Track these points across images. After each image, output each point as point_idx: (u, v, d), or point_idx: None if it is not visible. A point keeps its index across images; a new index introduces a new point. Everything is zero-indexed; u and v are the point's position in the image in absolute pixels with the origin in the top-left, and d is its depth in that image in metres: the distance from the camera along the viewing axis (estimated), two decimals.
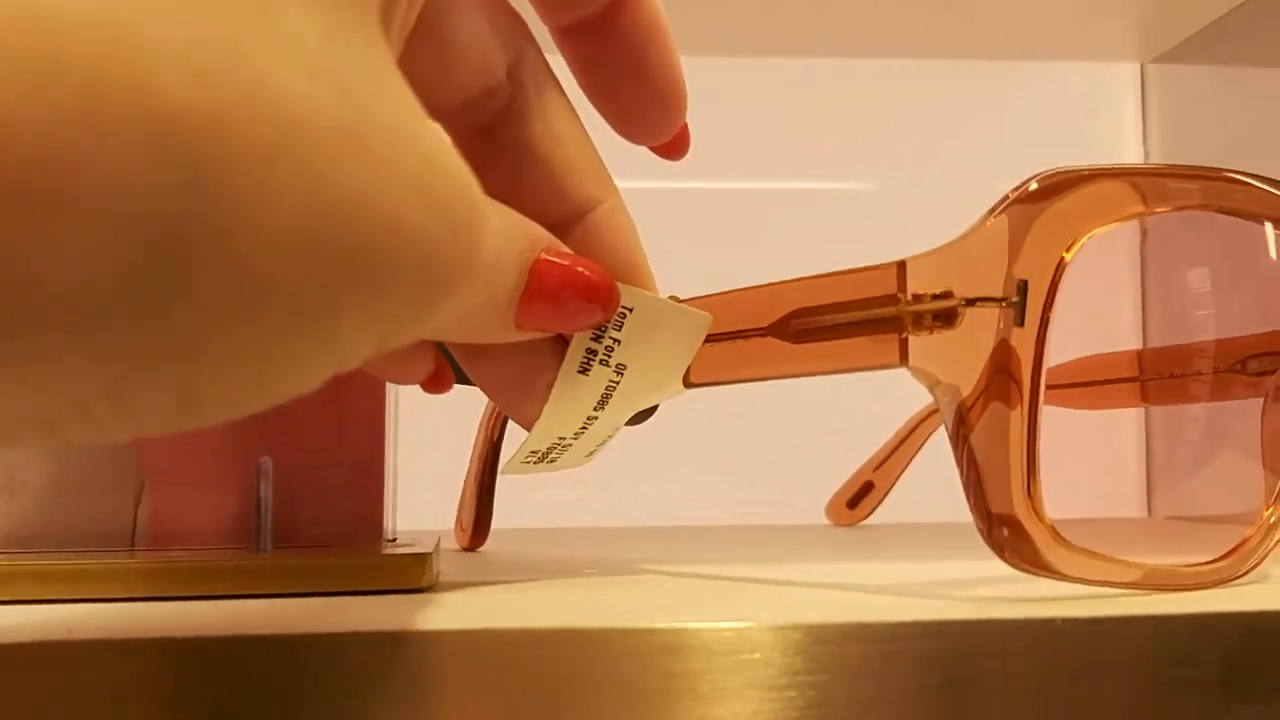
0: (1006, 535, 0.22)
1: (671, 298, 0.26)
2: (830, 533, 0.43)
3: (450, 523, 0.36)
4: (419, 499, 0.36)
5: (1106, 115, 0.57)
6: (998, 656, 0.20)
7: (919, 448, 0.44)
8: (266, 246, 0.13)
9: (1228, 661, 0.20)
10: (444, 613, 0.21)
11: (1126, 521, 0.45)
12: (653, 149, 0.26)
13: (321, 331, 0.14)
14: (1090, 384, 0.43)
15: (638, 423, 0.28)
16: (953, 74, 0.56)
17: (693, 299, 0.26)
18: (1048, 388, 0.46)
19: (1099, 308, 0.45)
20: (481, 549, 0.35)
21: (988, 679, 0.19)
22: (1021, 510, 0.22)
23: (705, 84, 0.55)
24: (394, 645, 0.19)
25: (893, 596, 0.23)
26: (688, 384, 0.26)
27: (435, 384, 0.24)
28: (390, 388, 0.28)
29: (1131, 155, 0.56)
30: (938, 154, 0.54)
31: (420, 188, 0.14)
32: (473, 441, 0.34)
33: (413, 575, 0.23)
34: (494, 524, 0.45)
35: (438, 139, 0.15)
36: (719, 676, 0.19)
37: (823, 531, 0.43)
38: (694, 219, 0.54)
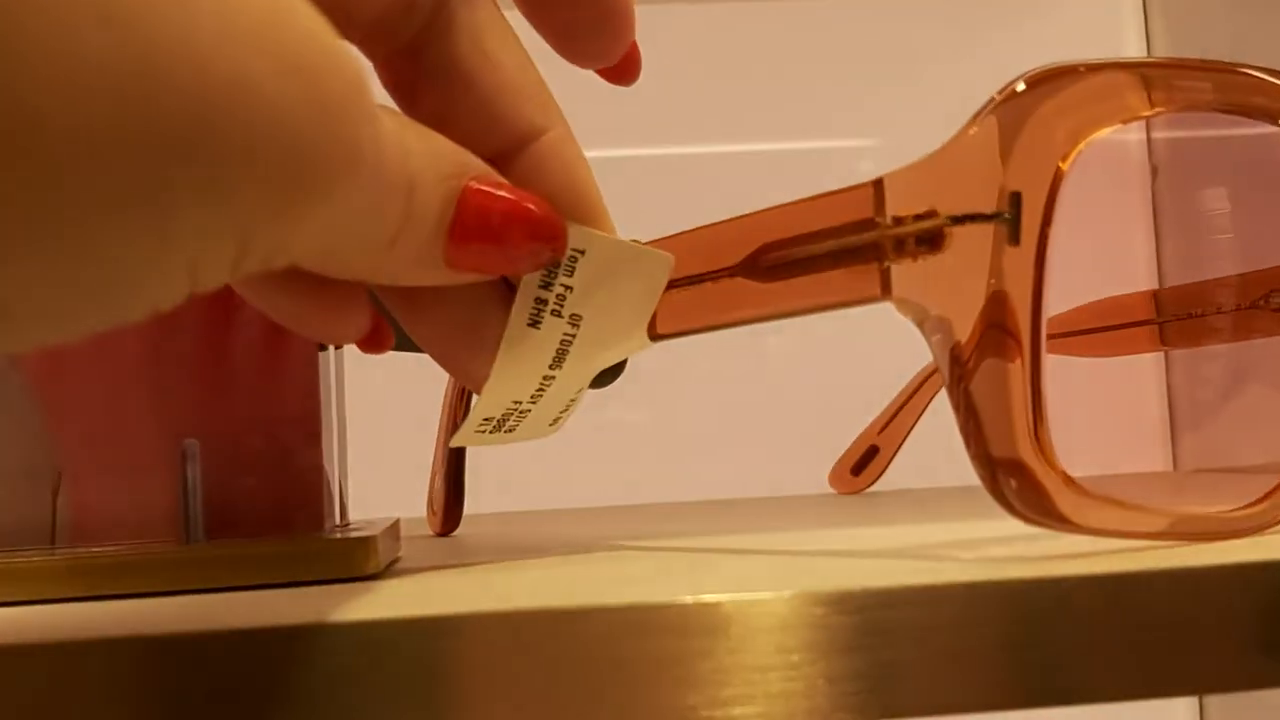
0: (1013, 484, 0.19)
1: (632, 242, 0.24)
2: (834, 501, 0.40)
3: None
4: (411, 483, 0.34)
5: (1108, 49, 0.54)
6: (1020, 619, 0.17)
7: (925, 406, 0.42)
8: (65, 105, 0.10)
9: (1265, 617, 0.17)
10: (379, 601, 0.18)
11: (1149, 475, 0.43)
12: (600, 73, 0.24)
13: (148, 221, 0.11)
14: (1104, 329, 0.40)
15: (603, 384, 0.26)
16: (951, 12, 0.53)
17: (651, 241, 0.23)
18: (1057, 336, 0.43)
19: (1108, 245, 0.43)
20: (456, 534, 0.32)
21: (1017, 640, 0.17)
22: (1028, 453, 0.19)
23: (680, 34, 0.53)
24: (316, 638, 0.17)
25: (909, 560, 0.20)
26: (653, 336, 0.23)
27: (372, 343, 0.21)
28: (336, 359, 0.26)
29: None
30: (942, 103, 0.51)
31: (272, 47, 0.12)
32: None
33: (355, 562, 0.21)
34: (482, 508, 0.43)
35: (308, 11, 0.13)
36: (706, 657, 0.17)
37: (826, 501, 0.40)
38: (678, 188, 0.52)
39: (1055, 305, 0.43)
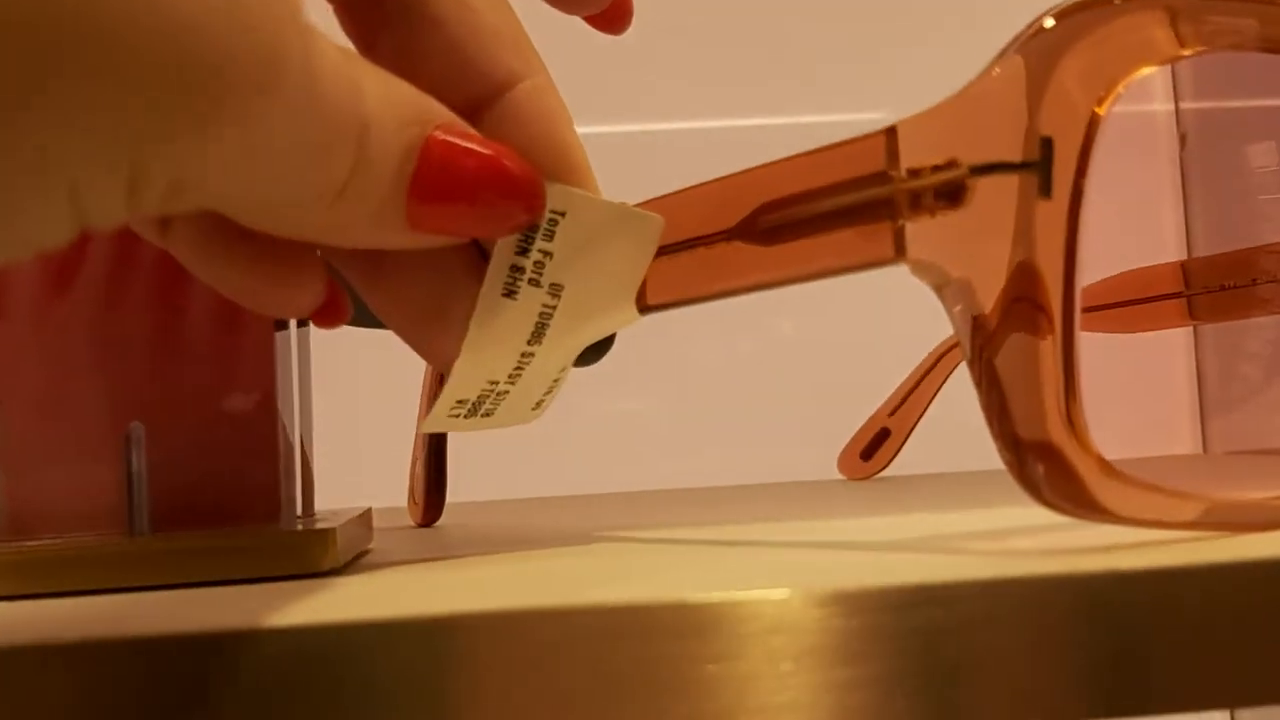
0: (1041, 469, 0.17)
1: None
2: (842, 488, 0.38)
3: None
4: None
5: None
6: (1051, 621, 0.15)
7: (940, 386, 0.39)
8: None
9: None
10: (328, 601, 0.16)
11: (1177, 459, 0.40)
12: (588, 21, 0.22)
13: (17, 133, 0.09)
14: (1129, 303, 0.38)
15: (589, 363, 0.24)
16: None
17: (639, 203, 0.21)
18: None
19: (1133, 215, 0.40)
20: (440, 525, 0.30)
21: (1039, 639, 0.15)
22: (1059, 435, 0.17)
23: (674, 2, 0.50)
24: (250, 645, 0.15)
25: (919, 554, 0.18)
26: (642, 307, 0.21)
27: (327, 315, 0.19)
28: (300, 336, 0.24)
29: None
30: (958, 72, 0.49)
31: None
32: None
33: (311, 557, 0.19)
34: (476, 495, 0.41)
35: None
36: (688, 663, 0.15)
37: (833, 488, 0.38)
38: (672, 166, 0.49)
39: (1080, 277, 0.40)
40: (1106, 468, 0.17)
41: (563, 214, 0.19)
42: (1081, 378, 0.17)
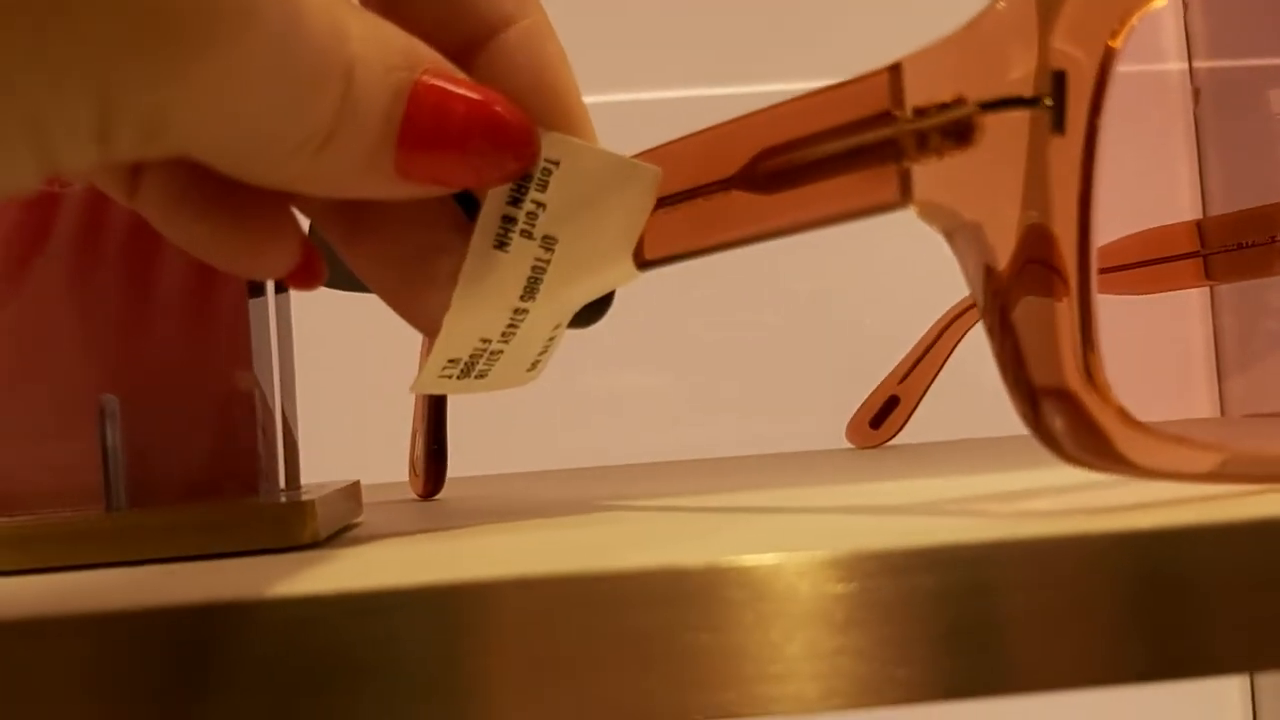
0: (1059, 421, 0.16)
1: None
2: (849, 457, 0.37)
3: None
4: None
5: None
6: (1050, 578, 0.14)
7: (949, 354, 0.38)
8: None
9: None
10: (306, 574, 0.15)
11: (1196, 421, 0.39)
12: None
13: None
14: (1143, 264, 0.37)
15: (587, 324, 0.23)
16: None
17: (636, 155, 0.20)
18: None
19: (1147, 174, 0.39)
20: (441, 496, 0.30)
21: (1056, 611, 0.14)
22: (1076, 382, 0.16)
23: None
24: (227, 617, 0.14)
25: (920, 517, 0.17)
26: (640, 263, 0.20)
27: (303, 277, 0.18)
28: (280, 302, 0.23)
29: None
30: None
31: None
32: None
33: (290, 530, 0.18)
34: (479, 470, 0.40)
35: None
36: (674, 632, 0.14)
37: (840, 456, 0.37)
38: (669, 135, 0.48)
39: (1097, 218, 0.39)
40: (1126, 418, 0.16)
41: (557, 163, 0.18)
42: (1099, 326, 0.16)
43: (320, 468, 0.38)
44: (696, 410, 0.47)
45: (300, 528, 0.18)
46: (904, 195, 0.17)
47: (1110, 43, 0.17)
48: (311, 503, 0.18)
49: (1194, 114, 0.40)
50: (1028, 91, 0.16)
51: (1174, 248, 0.37)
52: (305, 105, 0.15)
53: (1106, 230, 0.40)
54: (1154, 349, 0.40)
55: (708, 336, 0.48)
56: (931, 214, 0.17)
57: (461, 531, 0.20)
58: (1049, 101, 0.16)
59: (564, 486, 0.32)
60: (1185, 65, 0.40)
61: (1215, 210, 0.41)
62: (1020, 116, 0.16)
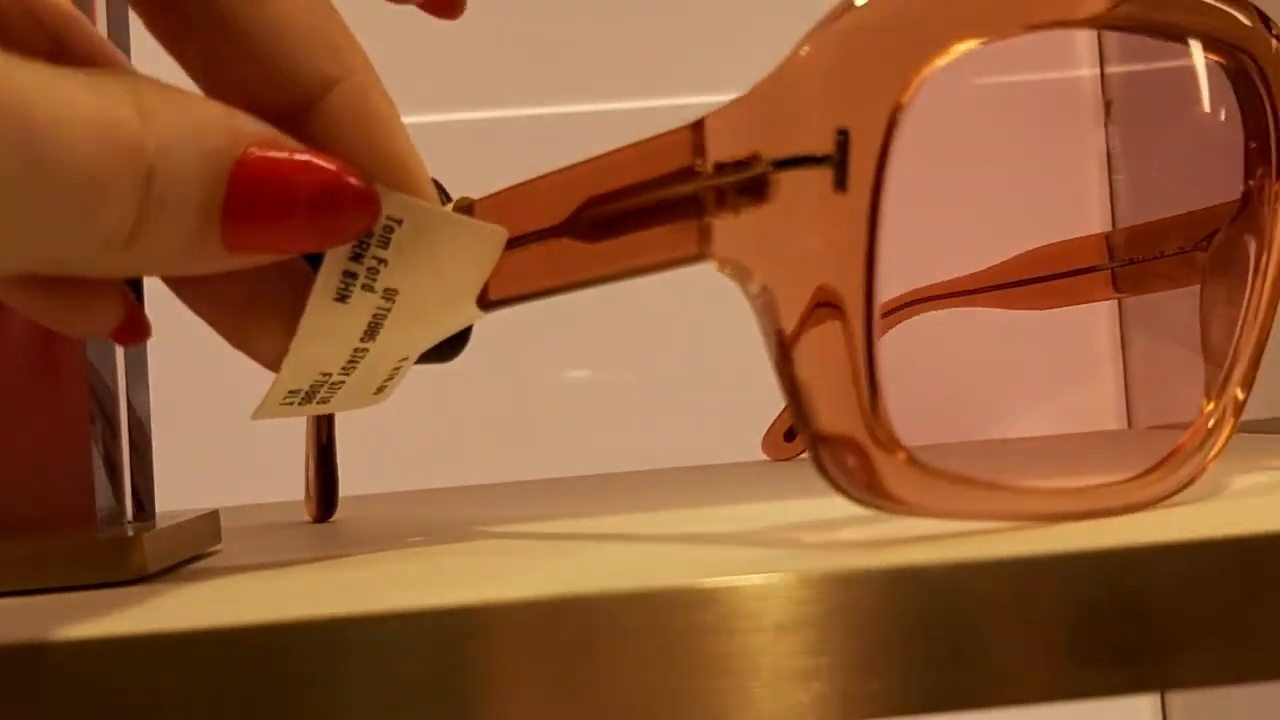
0: (839, 464, 0.17)
1: (461, 201, 0.22)
2: (761, 470, 0.38)
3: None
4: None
5: None
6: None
7: None
8: None
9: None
10: (126, 611, 0.16)
11: (1094, 435, 0.40)
12: (420, 6, 0.21)
13: None
14: (1050, 278, 0.37)
15: (446, 359, 0.24)
16: None
17: (481, 196, 0.21)
18: (997, 288, 0.40)
19: (1056, 188, 0.40)
20: (336, 519, 0.30)
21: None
22: (856, 428, 0.17)
23: None
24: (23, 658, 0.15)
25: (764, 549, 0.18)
26: (483, 304, 0.21)
27: (126, 334, 0.19)
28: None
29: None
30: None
31: None
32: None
33: (114, 565, 0.18)
34: (404, 484, 0.41)
35: None
36: (538, 664, 0.14)
37: (752, 469, 0.38)
38: (510, 155, 0.44)
39: (998, 253, 0.40)
40: (911, 460, 0.17)
41: (399, 221, 0.19)
42: (882, 371, 0.17)
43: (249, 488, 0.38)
44: (619, 417, 0.47)
45: (124, 563, 0.18)
46: (702, 249, 0.18)
47: (900, 98, 0.17)
48: (139, 537, 0.19)
49: (1105, 126, 0.40)
50: (819, 149, 0.17)
51: (1082, 260, 0.37)
52: (90, 212, 0.14)
53: (1018, 242, 0.41)
54: (1064, 363, 0.40)
55: (626, 349, 0.48)
56: (731, 269, 0.18)
57: (313, 566, 0.20)
58: (834, 159, 0.17)
59: (470, 507, 0.33)
60: (1097, 71, 0.40)
61: (1125, 222, 0.42)
62: (809, 174, 0.17)
